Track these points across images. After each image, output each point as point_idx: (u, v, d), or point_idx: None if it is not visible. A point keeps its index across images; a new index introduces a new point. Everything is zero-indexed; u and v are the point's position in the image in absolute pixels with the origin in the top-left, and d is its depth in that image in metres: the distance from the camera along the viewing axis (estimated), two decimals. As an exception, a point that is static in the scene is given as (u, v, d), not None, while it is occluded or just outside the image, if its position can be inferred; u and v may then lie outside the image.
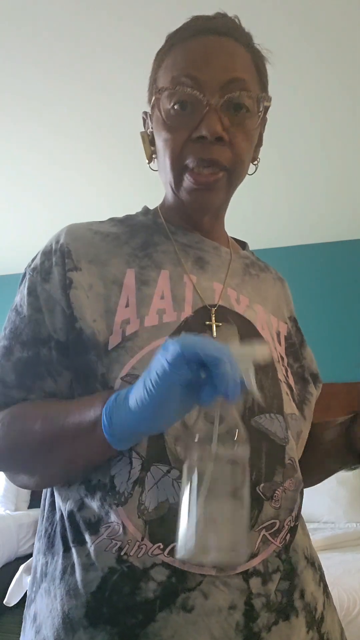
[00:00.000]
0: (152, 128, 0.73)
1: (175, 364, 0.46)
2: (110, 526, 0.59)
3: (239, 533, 0.47)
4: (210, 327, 0.66)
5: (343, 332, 3.78)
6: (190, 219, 0.75)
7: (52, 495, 0.67)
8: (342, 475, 3.28)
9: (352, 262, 3.94)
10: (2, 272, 4.78)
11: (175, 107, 0.66)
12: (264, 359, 0.50)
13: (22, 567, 2.94)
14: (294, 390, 0.73)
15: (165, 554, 0.57)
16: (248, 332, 0.69)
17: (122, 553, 0.58)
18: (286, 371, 0.73)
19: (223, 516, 0.46)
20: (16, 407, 0.65)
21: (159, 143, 0.70)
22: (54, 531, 0.65)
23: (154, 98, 0.69)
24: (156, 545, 0.57)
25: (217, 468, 0.47)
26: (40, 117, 2.55)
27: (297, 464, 0.69)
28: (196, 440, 0.48)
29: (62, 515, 0.64)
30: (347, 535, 2.79)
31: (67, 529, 0.62)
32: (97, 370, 0.62)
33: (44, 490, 0.70)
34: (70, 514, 0.63)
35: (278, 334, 0.75)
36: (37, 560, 0.67)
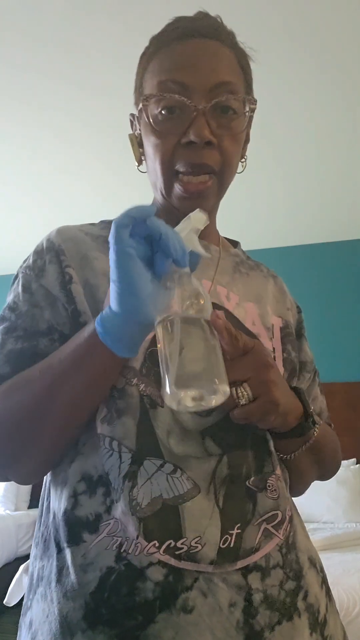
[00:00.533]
0: (140, 130, 0.73)
1: (119, 238, 0.49)
2: (110, 523, 0.58)
3: (214, 370, 0.50)
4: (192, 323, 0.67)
5: (342, 332, 3.78)
6: (179, 221, 0.74)
7: (49, 497, 0.66)
8: (342, 475, 3.28)
9: (350, 262, 3.94)
10: (2, 272, 4.78)
11: (163, 112, 0.66)
12: (201, 223, 0.54)
13: (22, 567, 2.94)
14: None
15: (161, 552, 0.56)
16: (239, 326, 0.70)
17: (121, 550, 0.57)
18: (274, 360, 0.72)
19: (198, 360, 0.50)
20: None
21: (148, 148, 0.70)
22: (49, 533, 0.63)
23: (141, 104, 0.69)
24: (151, 544, 0.56)
25: (186, 326, 0.51)
26: (40, 120, 2.55)
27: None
28: (165, 307, 0.52)
29: (57, 515, 0.62)
30: (347, 535, 2.79)
31: (62, 530, 0.61)
32: None
33: (42, 494, 0.69)
34: (65, 513, 0.61)
35: (272, 327, 0.75)
36: (34, 566, 0.65)
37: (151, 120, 0.67)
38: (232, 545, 0.58)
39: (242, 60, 0.71)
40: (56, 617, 0.58)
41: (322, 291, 3.87)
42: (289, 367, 0.75)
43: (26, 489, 3.98)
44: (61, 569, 0.59)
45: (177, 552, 0.56)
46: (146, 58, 0.72)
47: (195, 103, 0.64)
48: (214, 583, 0.57)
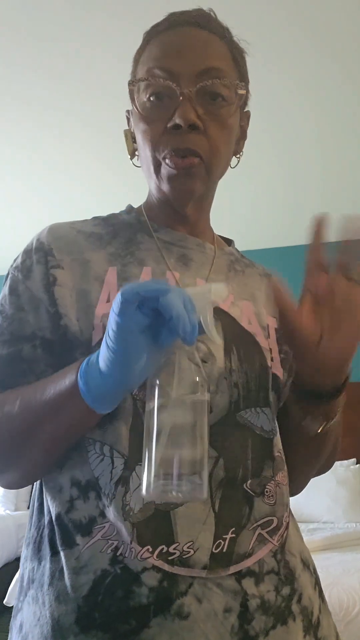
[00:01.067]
0: (132, 124, 0.74)
1: (123, 312, 0.46)
2: (105, 526, 0.58)
3: (197, 466, 0.47)
4: None
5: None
6: (175, 214, 0.73)
7: (40, 498, 0.66)
8: (342, 475, 3.27)
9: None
10: (2, 272, 4.79)
11: (151, 98, 0.66)
12: (221, 298, 0.50)
13: (22, 567, 2.94)
14: (281, 378, 0.71)
15: (155, 557, 0.56)
16: (232, 328, 0.68)
17: (117, 553, 0.57)
18: (272, 360, 0.71)
19: (182, 457, 0.47)
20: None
21: (138, 136, 0.69)
22: (41, 536, 0.63)
23: (130, 89, 0.70)
24: (145, 549, 0.56)
25: (176, 412, 0.47)
26: (40, 119, 2.55)
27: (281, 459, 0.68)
28: (157, 384, 0.49)
29: (50, 518, 0.62)
30: (347, 535, 2.79)
31: (56, 532, 0.60)
32: None
33: (32, 495, 0.68)
34: (59, 517, 0.61)
35: (267, 327, 0.73)
36: (24, 567, 0.65)
37: (139, 107, 0.67)
38: (225, 550, 0.58)
39: (234, 52, 0.70)
40: (48, 620, 0.57)
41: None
42: (287, 367, 0.74)
43: (26, 489, 3.98)
44: (54, 572, 0.59)
45: (169, 558, 0.56)
46: (139, 52, 0.72)
47: (182, 88, 0.64)
48: (208, 588, 0.56)
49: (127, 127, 0.76)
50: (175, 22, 0.68)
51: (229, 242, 0.85)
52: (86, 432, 0.60)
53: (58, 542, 0.60)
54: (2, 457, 0.62)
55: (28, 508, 3.91)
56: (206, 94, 0.65)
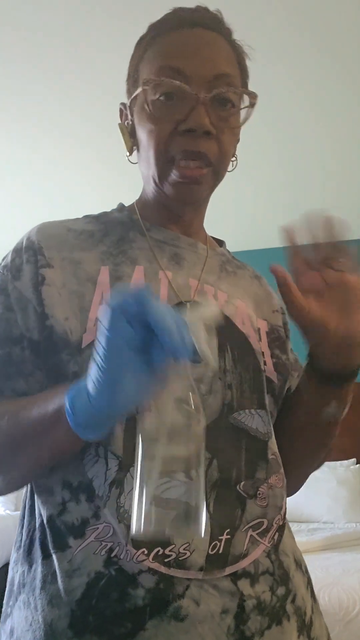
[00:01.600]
0: (131, 119, 0.72)
1: (113, 327, 0.43)
2: (98, 528, 0.57)
3: (193, 509, 0.45)
4: None
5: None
6: (170, 214, 0.73)
7: (31, 501, 0.65)
8: (342, 475, 3.28)
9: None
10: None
11: (161, 98, 0.65)
12: (213, 319, 0.48)
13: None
14: (276, 382, 0.71)
15: (150, 560, 0.55)
16: (226, 327, 0.67)
17: (112, 555, 0.56)
18: (265, 364, 0.71)
19: (176, 490, 0.44)
20: None
21: (142, 135, 0.68)
22: (32, 539, 0.62)
23: (140, 89, 0.67)
24: (140, 551, 0.55)
25: (171, 437, 0.45)
26: (40, 116, 2.55)
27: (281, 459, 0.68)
28: (149, 409, 0.46)
29: (42, 521, 0.61)
30: (347, 535, 2.79)
31: (48, 535, 0.59)
32: (68, 370, 0.60)
33: (23, 498, 0.68)
34: (50, 519, 0.60)
35: (258, 330, 0.73)
36: (14, 571, 0.63)
37: (148, 106, 0.65)
38: (220, 551, 0.58)
39: (239, 56, 0.71)
40: (40, 625, 0.56)
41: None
42: (281, 370, 0.74)
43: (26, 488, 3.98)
44: (46, 576, 0.58)
45: (166, 560, 0.55)
46: (143, 45, 0.70)
47: (196, 91, 0.63)
48: (205, 590, 0.56)
49: (122, 122, 0.75)
50: (185, 21, 0.67)
51: (220, 242, 0.84)
52: (75, 451, 0.58)
53: (50, 545, 0.59)
54: None
55: (28, 508, 3.95)
56: (217, 100, 0.65)
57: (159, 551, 0.55)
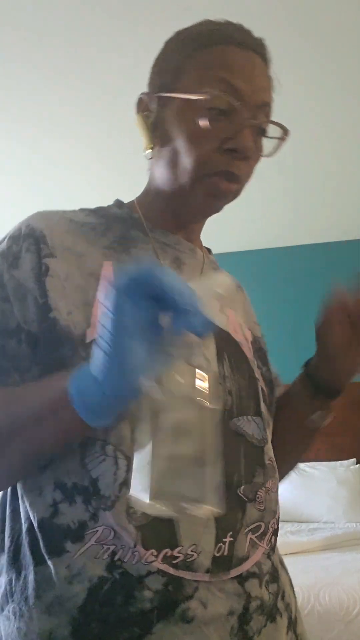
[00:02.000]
0: (155, 113, 0.68)
1: (119, 307, 0.41)
2: (98, 531, 0.55)
3: (202, 488, 0.43)
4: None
5: (343, 332, 3.77)
6: (177, 220, 0.72)
7: (13, 503, 0.61)
8: (342, 475, 3.27)
9: (350, 262, 3.94)
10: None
11: (213, 111, 0.63)
12: (225, 290, 0.46)
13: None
14: (265, 391, 0.73)
15: (160, 561, 0.54)
16: (221, 337, 0.67)
17: (115, 558, 0.54)
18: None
19: (185, 467, 0.42)
20: None
21: (180, 139, 0.65)
22: (18, 544, 0.58)
23: (188, 95, 0.64)
24: (149, 552, 0.54)
25: (184, 412, 0.43)
26: (39, 115, 2.55)
27: (276, 465, 0.70)
28: (159, 376, 0.43)
29: (30, 525, 0.58)
30: (347, 535, 2.79)
31: (39, 540, 0.56)
32: (70, 365, 0.56)
33: (2, 501, 0.64)
34: (42, 522, 0.57)
35: (246, 339, 0.74)
36: (3, 579, 0.59)
37: (197, 115, 0.63)
38: (225, 553, 0.58)
39: (272, 87, 0.72)
40: (37, 636, 0.54)
41: (323, 291, 3.87)
42: (267, 380, 0.75)
43: (5, 492, 3.97)
44: (41, 583, 0.55)
45: (174, 561, 0.55)
46: (194, 45, 0.68)
47: (247, 115, 0.64)
48: (212, 593, 0.56)
49: (141, 113, 0.70)
50: (241, 42, 0.67)
51: (208, 250, 0.84)
52: (76, 440, 0.56)
53: (43, 550, 0.56)
54: None
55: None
56: (259, 128, 0.67)
57: (167, 552, 0.55)
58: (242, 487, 0.62)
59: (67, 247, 0.65)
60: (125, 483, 0.55)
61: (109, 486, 0.55)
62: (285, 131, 0.67)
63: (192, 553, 0.56)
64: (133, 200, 0.76)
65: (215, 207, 0.70)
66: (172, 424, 0.43)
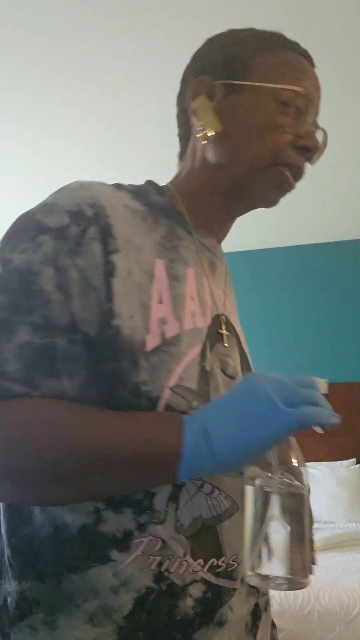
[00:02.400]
0: (219, 99, 0.67)
1: (283, 418, 0.48)
2: (144, 541, 0.53)
3: (301, 559, 0.50)
4: (222, 335, 0.65)
5: (342, 332, 3.77)
6: (220, 215, 0.71)
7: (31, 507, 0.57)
8: (342, 475, 3.28)
9: (351, 263, 3.94)
10: None
11: (291, 108, 0.66)
12: (325, 390, 0.53)
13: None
14: None
15: (205, 571, 0.55)
16: (238, 343, 0.70)
17: (162, 569, 0.53)
18: None
19: (287, 542, 0.50)
20: (35, 404, 0.51)
21: (254, 129, 0.65)
22: (32, 549, 0.55)
23: (276, 87, 0.65)
24: (197, 562, 0.55)
25: (285, 498, 0.50)
26: (39, 115, 2.55)
27: None
28: (271, 468, 0.51)
29: (57, 530, 0.54)
30: (347, 535, 2.80)
31: (78, 547, 0.53)
32: (129, 378, 0.53)
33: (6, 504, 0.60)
34: (85, 529, 0.54)
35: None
36: (9, 588, 0.55)
37: (275, 106, 0.65)
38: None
39: None
40: None
41: (322, 291, 3.87)
42: None
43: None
44: (79, 592, 0.53)
45: (217, 570, 0.56)
46: (265, 44, 0.69)
47: (316, 119, 0.69)
48: (238, 596, 0.58)
49: (204, 96, 0.67)
50: (305, 54, 0.71)
51: None
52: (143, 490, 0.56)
53: (85, 557, 0.53)
54: (32, 479, 0.51)
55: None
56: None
57: (213, 562, 0.56)
58: None
59: (128, 240, 0.58)
60: (172, 498, 0.55)
61: (162, 501, 0.54)
62: (324, 142, 0.71)
63: (233, 562, 0.57)
64: (169, 186, 0.71)
65: (272, 199, 0.71)
66: (281, 507, 0.50)
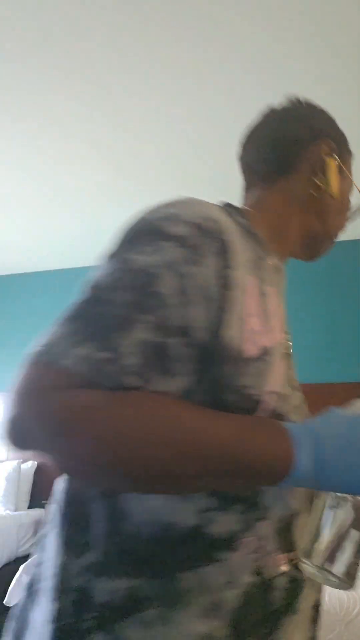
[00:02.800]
0: (334, 169, 0.77)
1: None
2: (248, 540, 0.58)
3: (356, 564, 0.58)
4: (288, 356, 0.72)
5: (342, 332, 3.78)
6: (286, 248, 0.79)
7: (114, 502, 0.57)
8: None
9: (350, 263, 3.94)
10: (2, 272, 4.79)
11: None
12: None
13: (22, 567, 2.94)
14: None
15: (288, 563, 0.61)
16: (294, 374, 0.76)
17: (260, 565, 0.59)
18: None
19: (356, 546, 0.58)
20: (154, 397, 0.53)
21: (337, 205, 0.80)
22: (148, 549, 0.56)
23: (354, 182, 0.82)
24: (283, 555, 0.61)
25: (349, 511, 0.58)
26: (44, 116, 2.55)
27: None
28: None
29: (170, 529, 0.56)
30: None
31: (189, 547, 0.56)
32: (233, 382, 0.56)
33: (79, 495, 0.60)
34: (195, 530, 0.56)
35: None
36: (115, 584, 0.56)
37: (351, 196, 0.83)
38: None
39: None
40: (196, 637, 0.55)
41: (322, 291, 3.87)
42: None
43: (26, 489, 3.98)
44: (192, 589, 0.55)
45: (292, 561, 0.62)
46: (347, 146, 0.82)
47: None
48: (306, 589, 0.64)
49: (330, 158, 0.76)
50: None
51: None
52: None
53: (197, 557, 0.56)
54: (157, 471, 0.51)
55: (28, 508, 3.94)
56: None
57: (291, 555, 0.62)
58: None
59: (239, 256, 0.62)
60: (276, 495, 0.61)
61: (269, 498, 0.60)
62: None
63: (298, 558, 0.62)
64: (248, 210, 0.78)
65: (324, 253, 0.83)
66: (355, 514, 0.59)
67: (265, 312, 0.63)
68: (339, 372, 3.59)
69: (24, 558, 3.52)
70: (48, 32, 2.04)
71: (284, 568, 0.61)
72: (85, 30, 2.03)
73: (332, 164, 0.76)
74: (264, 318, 0.63)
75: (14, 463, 3.95)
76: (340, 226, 0.81)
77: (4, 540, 3.34)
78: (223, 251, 0.58)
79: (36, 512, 3.82)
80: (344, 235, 3.94)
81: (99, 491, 0.58)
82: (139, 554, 0.56)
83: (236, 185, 0.74)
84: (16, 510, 3.80)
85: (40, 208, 3.50)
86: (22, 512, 3.78)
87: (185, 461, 0.50)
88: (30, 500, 4.00)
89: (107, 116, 2.52)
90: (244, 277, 0.61)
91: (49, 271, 4.65)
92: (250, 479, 0.53)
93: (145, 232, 0.59)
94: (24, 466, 4.03)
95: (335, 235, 0.81)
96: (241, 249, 0.62)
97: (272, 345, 0.62)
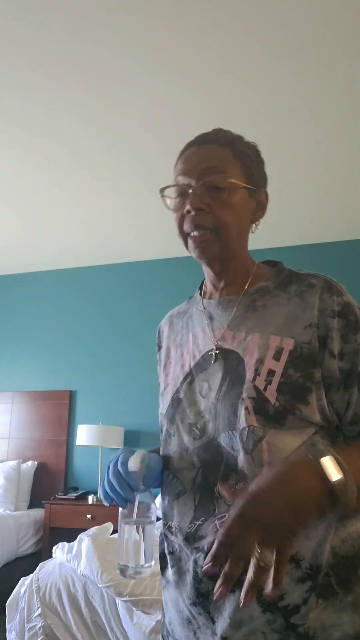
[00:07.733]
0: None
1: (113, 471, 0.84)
2: None
3: (142, 557, 0.81)
4: (207, 366, 0.89)
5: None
6: (211, 275, 0.93)
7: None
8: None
9: (350, 263, 3.95)
10: (2, 272, 4.78)
11: (175, 196, 0.89)
12: (136, 467, 0.82)
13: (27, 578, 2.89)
14: (271, 402, 0.78)
15: (167, 529, 0.89)
16: (233, 363, 0.85)
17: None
18: (268, 384, 0.78)
19: (135, 550, 0.81)
20: None
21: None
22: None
23: (174, 198, 0.90)
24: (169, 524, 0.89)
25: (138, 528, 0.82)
26: (42, 120, 2.55)
27: (250, 472, 0.76)
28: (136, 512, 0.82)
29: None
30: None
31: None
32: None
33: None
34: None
35: (279, 351, 0.81)
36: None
37: (168, 202, 0.91)
38: (192, 531, 0.82)
39: (237, 153, 0.88)
40: None
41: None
42: (287, 390, 0.77)
43: (26, 488, 3.98)
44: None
45: (171, 530, 0.85)
46: (178, 157, 0.92)
47: (189, 183, 0.86)
48: (183, 554, 0.82)
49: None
50: (191, 143, 0.90)
51: (275, 263, 0.95)
52: None
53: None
54: None
55: (28, 508, 3.94)
56: (211, 187, 0.85)
57: (167, 524, 0.88)
58: (217, 487, 0.80)
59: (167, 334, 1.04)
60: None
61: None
62: (245, 182, 0.88)
63: (177, 526, 0.84)
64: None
65: (202, 251, 0.87)
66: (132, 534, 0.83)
67: (176, 361, 0.95)
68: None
69: (24, 558, 3.52)
70: (45, 35, 2.03)
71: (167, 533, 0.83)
72: (84, 33, 2.02)
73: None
74: (172, 367, 0.95)
75: (14, 463, 3.95)
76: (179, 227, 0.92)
77: (4, 540, 3.34)
78: (159, 338, 1.09)
79: (36, 512, 3.82)
80: (344, 235, 3.92)
81: None
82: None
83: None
84: (16, 510, 3.80)
85: (40, 208, 3.50)
86: (22, 512, 3.78)
87: None
88: (30, 500, 4.00)
89: (111, 124, 2.51)
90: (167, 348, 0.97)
91: (49, 271, 4.66)
92: None
93: None
94: (24, 466, 4.04)
95: (182, 238, 0.91)
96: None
97: (168, 384, 0.94)
